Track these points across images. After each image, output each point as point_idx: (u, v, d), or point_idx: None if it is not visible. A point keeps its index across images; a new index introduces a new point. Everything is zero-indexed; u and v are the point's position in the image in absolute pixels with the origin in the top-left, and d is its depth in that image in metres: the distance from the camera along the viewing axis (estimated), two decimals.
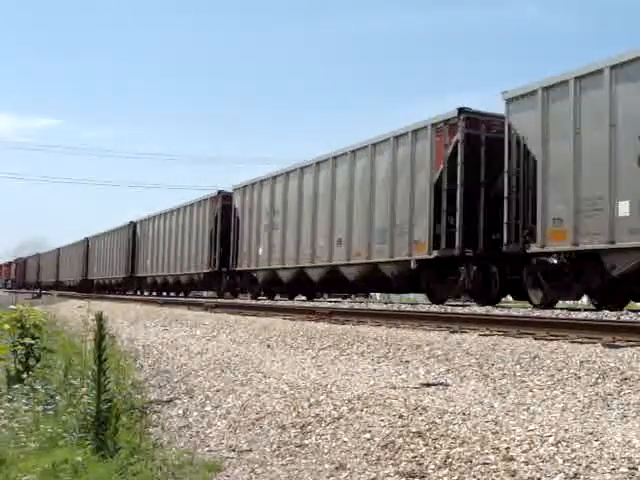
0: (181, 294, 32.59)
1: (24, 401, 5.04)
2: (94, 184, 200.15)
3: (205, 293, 33.02)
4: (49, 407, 4.86)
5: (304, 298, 23.08)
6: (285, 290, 22.80)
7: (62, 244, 58.19)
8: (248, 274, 23.89)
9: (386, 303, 18.58)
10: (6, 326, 6.08)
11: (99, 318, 3.88)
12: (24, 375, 5.73)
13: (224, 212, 25.78)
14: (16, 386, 5.50)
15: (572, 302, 15.31)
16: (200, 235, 27.50)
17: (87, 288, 44.55)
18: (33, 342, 6.03)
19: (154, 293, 34.55)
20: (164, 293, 34.01)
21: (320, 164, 19.77)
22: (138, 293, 36.47)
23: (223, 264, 25.37)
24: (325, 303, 19.00)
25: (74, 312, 17.81)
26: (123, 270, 37.74)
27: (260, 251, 22.65)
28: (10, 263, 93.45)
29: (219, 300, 21.88)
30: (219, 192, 26.65)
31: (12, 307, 6.43)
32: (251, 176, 24.03)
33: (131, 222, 37.73)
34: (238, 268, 24.15)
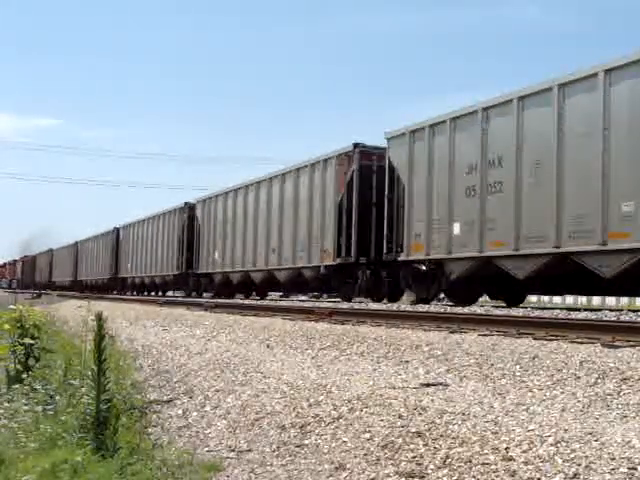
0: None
1: (24, 401, 5.03)
2: (94, 184, 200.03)
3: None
4: (49, 407, 4.86)
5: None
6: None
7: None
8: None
9: (385, 303, 18.60)
10: (6, 326, 6.07)
11: (99, 318, 3.88)
12: (24, 375, 5.72)
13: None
14: (16, 386, 5.50)
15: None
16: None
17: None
18: (33, 342, 6.02)
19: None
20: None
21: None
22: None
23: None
24: (325, 303, 19.02)
25: (74, 312, 17.82)
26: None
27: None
28: (15, 261, 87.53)
29: (219, 300, 22.03)
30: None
31: (12, 307, 6.43)
32: (250, 176, 25.40)
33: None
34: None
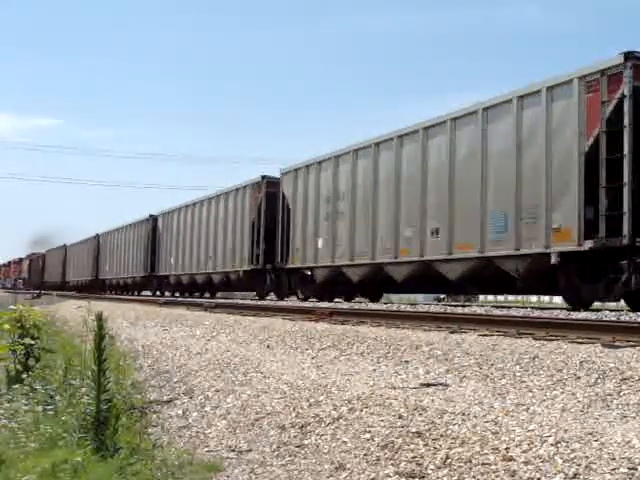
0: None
1: (24, 401, 5.03)
2: (94, 184, 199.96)
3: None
4: (49, 407, 4.85)
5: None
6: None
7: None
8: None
9: (385, 303, 18.72)
10: (6, 326, 6.07)
11: (99, 318, 3.88)
12: (24, 375, 5.72)
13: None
14: (16, 386, 5.49)
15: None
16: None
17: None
18: (33, 342, 6.02)
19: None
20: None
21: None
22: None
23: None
24: (325, 304, 19.02)
25: (74, 312, 17.82)
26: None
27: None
28: (21, 260, 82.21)
29: (219, 301, 22.11)
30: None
31: (12, 307, 6.42)
32: (251, 176, 27.14)
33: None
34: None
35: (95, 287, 43.86)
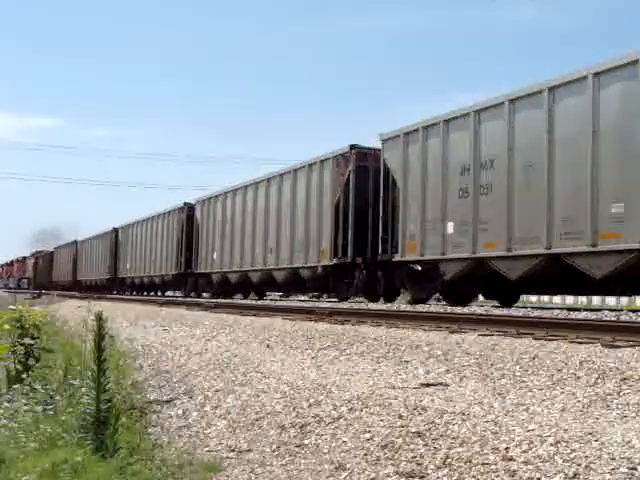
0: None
1: (24, 401, 5.04)
2: (94, 184, 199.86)
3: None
4: (49, 407, 4.86)
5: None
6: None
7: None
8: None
9: (385, 303, 18.63)
10: (6, 326, 6.07)
11: (99, 318, 3.88)
12: (24, 375, 5.73)
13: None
14: (16, 386, 5.50)
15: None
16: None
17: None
18: (32, 342, 6.02)
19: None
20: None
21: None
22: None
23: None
24: (325, 303, 19.02)
25: (73, 312, 17.82)
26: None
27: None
28: (24, 258, 75.91)
29: (219, 300, 22.06)
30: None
31: (12, 307, 6.43)
32: (251, 176, 25.33)
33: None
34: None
35: (114, 286, 40.60)
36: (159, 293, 35.35)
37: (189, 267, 29.17)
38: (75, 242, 48.90)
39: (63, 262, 53.59)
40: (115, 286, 40.74)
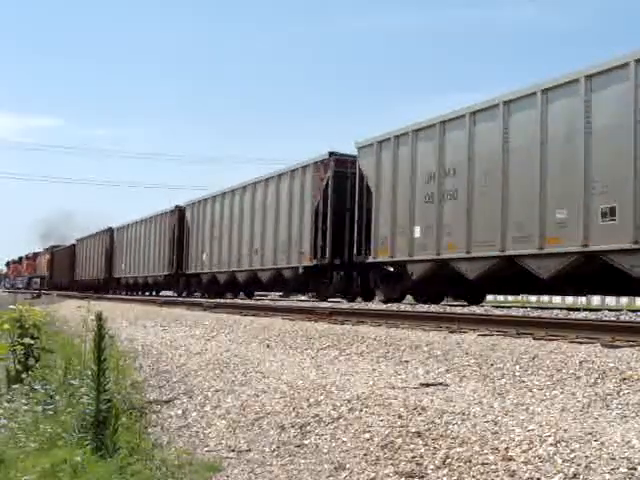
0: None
1: (23, 401, 5.03)
2: (94, 184, 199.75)
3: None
4: (48, 407, 4.86)
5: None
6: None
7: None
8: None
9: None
10: (6, 326, 6.07)
11: (99, 318, 3.88)
12: (23, 375, 5.72)
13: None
14: (16, 386, 5.50)
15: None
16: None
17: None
18: (32, 342, 6.02)
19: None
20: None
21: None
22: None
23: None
24: (325, 303, 19.03)
25: (73, 312, 17.81)
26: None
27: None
28: (36, 254, 66.92)
29: (219, 300, 22.12)
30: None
31: (12, 307, 6.42)
32: (246, 178, 26.08)
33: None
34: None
35: (176, 285, 31.68)
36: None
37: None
38: (110, 230, 40.52)
39: (92, 256, 44.39)
40: (181, 284, 36.60)
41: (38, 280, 63.01)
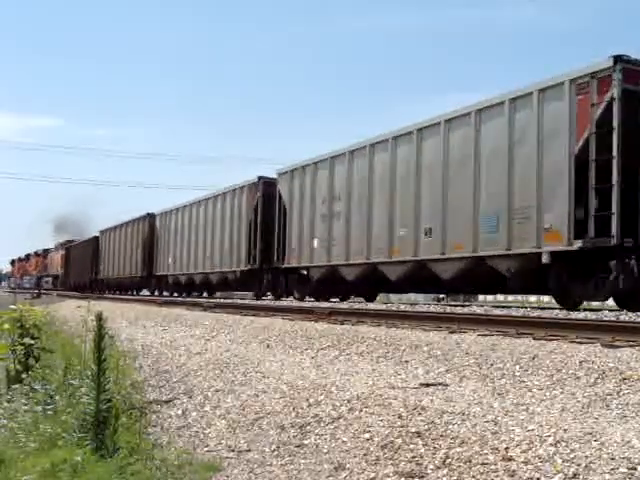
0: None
1: (23, 401, 5.04)
2: (94, 184, 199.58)
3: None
4: (48, 407, 4.86)
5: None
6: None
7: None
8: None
9: (385, 303, 18.73)
10: (6, 326, 6.07)
11: (99, 318, 3.88)
12: (23, 375, 5.72)
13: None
14: (15, 386, 5.50)
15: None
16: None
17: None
18: (33, 342, 6.02)
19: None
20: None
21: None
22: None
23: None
24: (324, 303, 19.03)
25: (74, 312, 17.80)
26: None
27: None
28: (46, 252, 61.62)
29: (220, 300, 22.15)
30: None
31: (12, 307, 6.42)
32: (245, 177, 25.75)
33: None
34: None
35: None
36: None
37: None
38: (149, 216, 34.53)
39: (123, 250, 37.63)
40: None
41: (50, 279, 57.56)
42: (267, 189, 23.16)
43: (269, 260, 22.53)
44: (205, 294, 30.68)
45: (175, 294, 31.49)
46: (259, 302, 21.93)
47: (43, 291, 44.28)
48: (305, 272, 20.86)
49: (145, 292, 36.35)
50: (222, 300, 22.26)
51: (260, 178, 23.54)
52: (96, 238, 44.11)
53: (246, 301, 22.51)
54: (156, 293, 33.88)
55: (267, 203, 22.95)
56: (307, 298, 21.02)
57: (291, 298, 22.06)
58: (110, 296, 34.80)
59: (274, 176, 23.00)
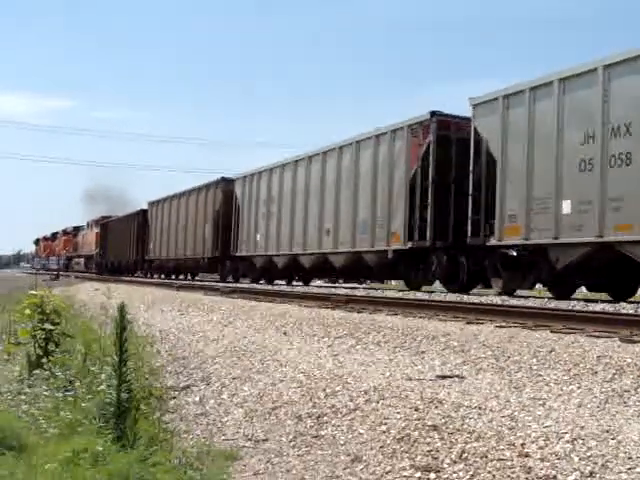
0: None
1: (44, 387, 5.10)
2: (102, 166, 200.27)
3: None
4: (68, 393, 4.92)
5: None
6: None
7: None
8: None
9: (401, 290, 18.58)
10: (27, 311, 6.15)
11: (121, 309, 3.91)
12: (44, 360, 5.79)
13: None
14: (36, 371, 5.57)
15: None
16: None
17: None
18: (53, 328, 6.09)
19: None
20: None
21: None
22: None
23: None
24: (341, 290, 19.06)
25: (91, 295, 17.96)
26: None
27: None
28: (77, 229, 54.88)
29: (237, 285, 22.18)
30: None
31: (32, 292, 6.49)
32: (261, 163, 25.95)
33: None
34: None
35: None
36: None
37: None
38: (224, 181, 28.01)
39: (184, 226, 31.09)
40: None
41: (82, 261, 51.53)
42: (441, 131, 16.09)
43: (443, 235, 15.83)
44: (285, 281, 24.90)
45: (261, 281, 25.01)
46: (275, 288, 21.90)
47: (61, 273, 44.32)
48: (515, 253, 13.65)
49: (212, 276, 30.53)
50: (239, 285, 22.28)
51: (433, 114, 15.84)
52: (143, 212, 37.97)
53: (263, 287, 22.50)
54: (229, 279, 27.07)
55: (441, 151, 15.90)
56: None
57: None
58: (127, 279, 34.08)
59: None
